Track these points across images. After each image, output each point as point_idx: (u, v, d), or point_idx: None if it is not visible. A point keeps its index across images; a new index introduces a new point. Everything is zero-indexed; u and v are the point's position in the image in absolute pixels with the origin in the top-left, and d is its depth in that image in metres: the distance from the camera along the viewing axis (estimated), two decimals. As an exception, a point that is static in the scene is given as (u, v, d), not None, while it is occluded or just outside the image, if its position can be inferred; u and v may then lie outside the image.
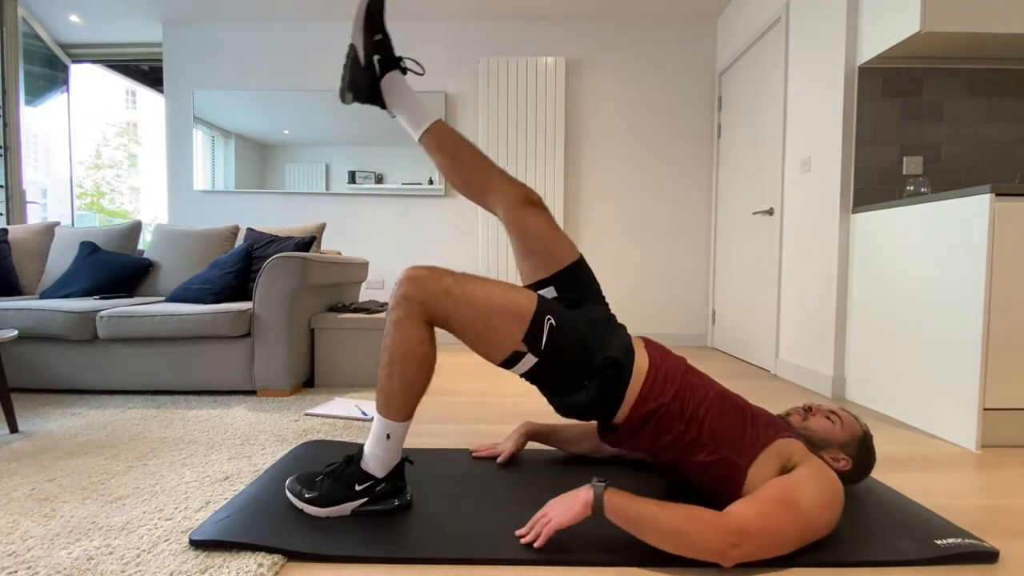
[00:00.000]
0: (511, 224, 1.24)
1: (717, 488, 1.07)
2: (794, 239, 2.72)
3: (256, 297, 2.21)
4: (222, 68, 3.93)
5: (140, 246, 3.08)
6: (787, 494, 0.95)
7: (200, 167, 3.95)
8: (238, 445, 1.62)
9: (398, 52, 1.27)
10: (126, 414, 1.96)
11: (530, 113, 3.77)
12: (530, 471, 1.39)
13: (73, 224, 4.40)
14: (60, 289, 2.61)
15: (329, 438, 1.70)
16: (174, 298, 2.46)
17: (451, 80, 3.87)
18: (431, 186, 3.88)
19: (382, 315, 2.49)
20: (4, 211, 3.73)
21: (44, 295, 2.61)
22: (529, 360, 1.09)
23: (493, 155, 3.66)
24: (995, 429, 1.68)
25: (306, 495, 1.12)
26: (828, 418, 1.17)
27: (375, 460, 1.12)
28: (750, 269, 3.25)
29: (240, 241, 2.90)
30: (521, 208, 1.23)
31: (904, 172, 2.30)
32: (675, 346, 3.86)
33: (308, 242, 2.63)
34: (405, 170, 3.88)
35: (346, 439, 1.69)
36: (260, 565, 0.94)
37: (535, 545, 0.98)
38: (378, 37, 1.24)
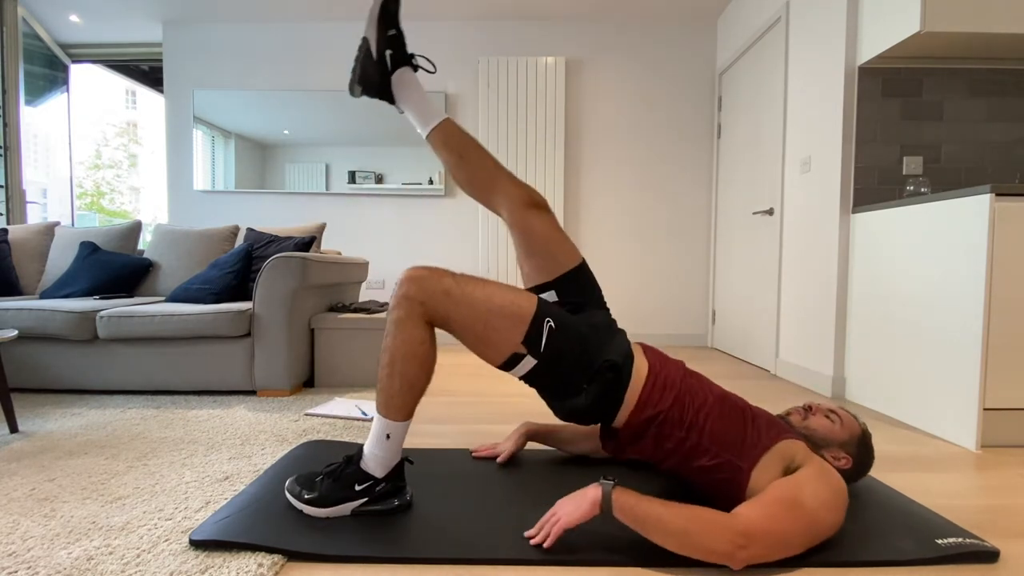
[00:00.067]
0: (515, 225, 1.24)
1: (720, 492, 1.07)
2: (794, 239, 2.72)
3: (256, 297, 2.21)
4: (222, 68, 3.93)
5: (140, 246, 3.08)
6: (793, 495, 0.94)
7: (200, 167, 3.95)
8: (238, 445, 1.62)
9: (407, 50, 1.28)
10: (126, 414, 1.96)
11: (530, 113, 3.77)
12: (530, 471, 1.39)
13: (73, 224, 4.40)
14: (60, 289, 2.61)
15: (329, 438, 1.70)
16: (174, 298, 2.46)
17: (451, 80, 3.87)
18: (431, 186, 3.88)
19: (382, 315, 2.49)
20: (4, 211, 3.73)
21: (44, 295, 2.61)
22: (528, 362, 1.09)
23: (493, 155, 3.66)
24: (995, 429, 1.68)
25: (306, 496, 1.12)
26: (828, 417, 1.17)
27: (375, 460, 1.12)
28: (750, 269, 3.25)
29: (240, 241, 2.90)
30: (525, 210, 1.23)
31: (904, 172, 2.30)
32: (675, 346, 3.86)
33: (308, 242, 2.63)
34: (405, 170, 3.88)
35: (346, 439, 1.69)
36: (260, 565, 0.94)
37: (544, 545, 0.98)
38: (392, 32, 1.25)
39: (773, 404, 1.49)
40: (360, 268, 2.98)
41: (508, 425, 1.69)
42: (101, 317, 2.19)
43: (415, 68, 1.28)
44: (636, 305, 3.91)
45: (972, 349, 1.69)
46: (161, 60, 3.98)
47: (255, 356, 2.23)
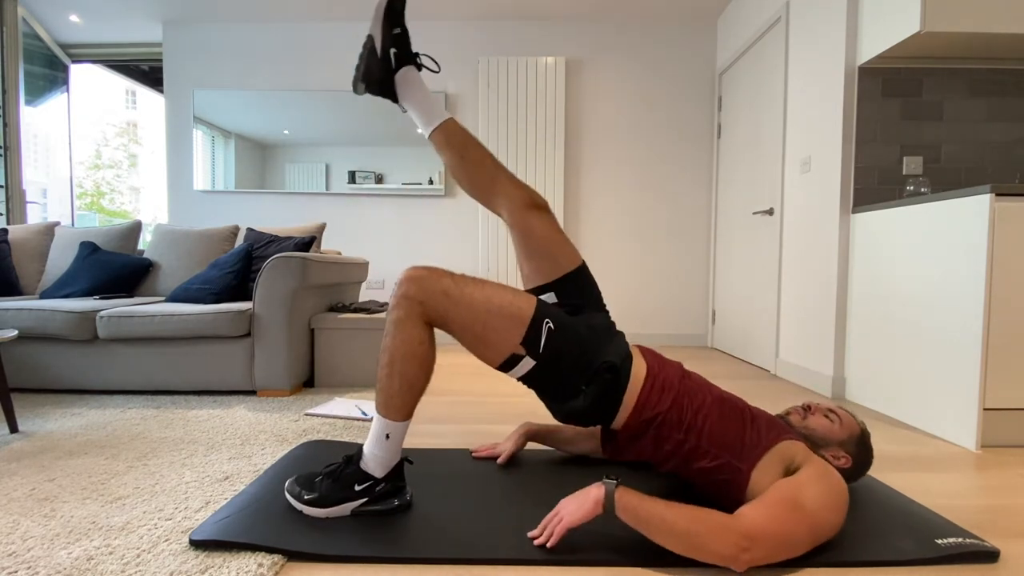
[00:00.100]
0: (515, 226, 1.24)
1: (721, 493, 1.07)
2: (794, 239, 2.72)
3: (256, 297, 2.21)
4: (222, 68, 3.93)
5: (140, 246, 3.09)
6: (795, 496, 0.94)
7: (200, 167, 3.95)
8: (238, 445, 1.62)
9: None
10: (126, 414, 1.96)
11: (530, 113, 3.77)
12: (530, 471, 1.39)
13: (73, 224, 4.40)
14: (60, 289, 2.61)
15: (329, 438, 1.70)
16: (174, 298, 2.46)
17: (451, 80, 3.87)
18: (431, 186, 3.88)
19: (382, 315, 2.49)
20: (4, 211, 3.73)
21: (44, 295, 2.61)
22: (527, 363, 1.09)
23: (494, 155, 3.66)
24: (995, 429, 1.68)
25: (305, 496, 1.12)
26: (827, 416, 1.17)
27: (374, 460, 1.12)
28: (750, 269, 3.25)
29: (240, 241, 2.90)
30: (526, 211, 1.24)
31: (904, 172, 2.30)
32: (675, 346, 3.86)
33: (308, 242, 2.63)
34: (405, 170, 3.88)
35: (346, 439, 1.69)
36: (260, 565, 0.94)
37: (548, 545, 0.98)
38: (397, 31, 1.25)
39: (773, 404, 1.49)
40: (360, 268, 2.98)
41: (508, 425, 1.69)
42: (101, 317, 2.19)
43: (419, 67, 1.28)
44: (636, 305, 3.91)
45: (972, 349, 1.69)
46: (161, 60, 3.98)
47: (255, 356, 2.23)
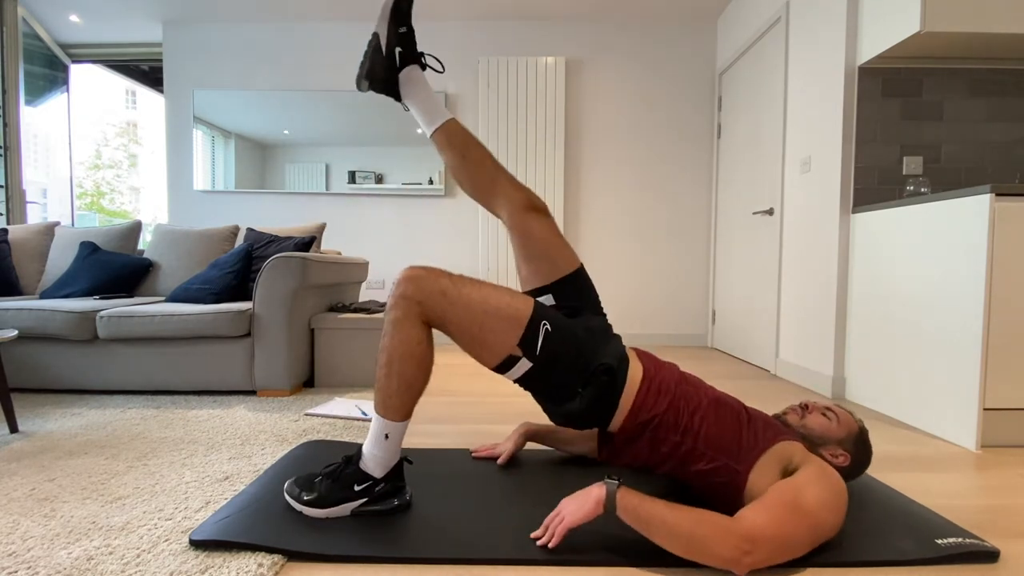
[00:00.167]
0: (514, 228, 1.25)
1: (718, 495, 1.06)
2: (794, 239, 2.72)
3: (256, 297, 2.21)
4: (222, 68, 3.93)
5: (140, 246, 3.09)
6: (795, 497, 0.94)
7: (200, 167, 3.95)
8: (238, 445, 1.62)
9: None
10: (126, 414, 1.96)
11: (530, 113, 3.77)
12: (529, 471, 1.39)
13: (73, 224, 4.41)
14: (60, 289, 2.61)
15: (329, 438, 1.70)
16: (174, 298, 2.46)
17: (451, 80, 3.87)
18: (431, 186, 3.88)
19: (382, 315, 2.49)
20: (4, 211, 3.73)
21: (44, 295, 2.61)
22: (524, 365, 1.09)
23: (494, 157, 3.66)
24: (995, 429, 1.68)
25: (305, 497, 1.12)
26: (824, 415, 1.17)
27: (374, 460, 1.12)
28: (750, 269, 3.25)
29: (240, 241, 2.90)
30: (525, 213, 1.24)
31: (904, 172, 2.30)
32: (675, 346, 3.86)
33: (308, 242, 2.63)
34: (405, 170, 3.88)
35: (346, 439, 1.69)
36: (260, 565, 0.94)
37: (549, 545, 0.98)
38: (402, 30, 1.26)
39: (773, 404, 1.49)
40: (360, 268, 2.98)
41: (508, 425, 1.69)
42: (101, 317, 2.19)
43: (423, 67, 1.29)
44: (636, 305, 3.91)
45: (972, 349, 1.69)
46: (161, 60, 3.98)
47: (255, 356, 2.23)
